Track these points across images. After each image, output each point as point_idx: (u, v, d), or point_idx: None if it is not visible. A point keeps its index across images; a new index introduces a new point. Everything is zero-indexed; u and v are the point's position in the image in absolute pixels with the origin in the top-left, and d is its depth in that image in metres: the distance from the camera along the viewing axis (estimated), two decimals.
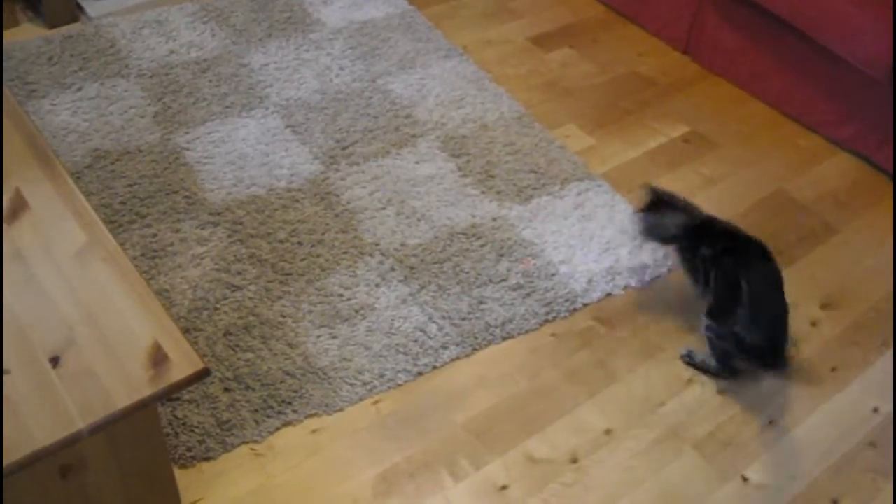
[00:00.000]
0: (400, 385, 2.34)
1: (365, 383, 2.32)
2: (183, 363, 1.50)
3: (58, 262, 1.65)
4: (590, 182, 2.95)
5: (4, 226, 1.70)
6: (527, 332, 2.50)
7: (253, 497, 2.07)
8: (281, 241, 2.65)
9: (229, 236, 2.65)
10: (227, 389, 2.26)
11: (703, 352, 2.41)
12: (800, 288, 2.68)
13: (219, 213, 2.72)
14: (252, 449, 2.16)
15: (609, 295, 2.62)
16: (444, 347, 2.42)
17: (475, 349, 2.44)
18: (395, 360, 2.37)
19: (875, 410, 2.39)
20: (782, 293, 2.36)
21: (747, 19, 3.30)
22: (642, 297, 2.61)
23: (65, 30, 3.41)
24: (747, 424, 2.33)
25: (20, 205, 1.75)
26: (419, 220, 2.76)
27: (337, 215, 2.75)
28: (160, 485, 1.74)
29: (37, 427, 1.38)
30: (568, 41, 3.69)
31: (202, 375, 1.51)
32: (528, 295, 2.57)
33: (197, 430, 2.17)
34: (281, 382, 2.29)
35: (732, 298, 2.29)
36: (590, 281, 2.63)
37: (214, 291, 2.49)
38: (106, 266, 1.65)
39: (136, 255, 2.56)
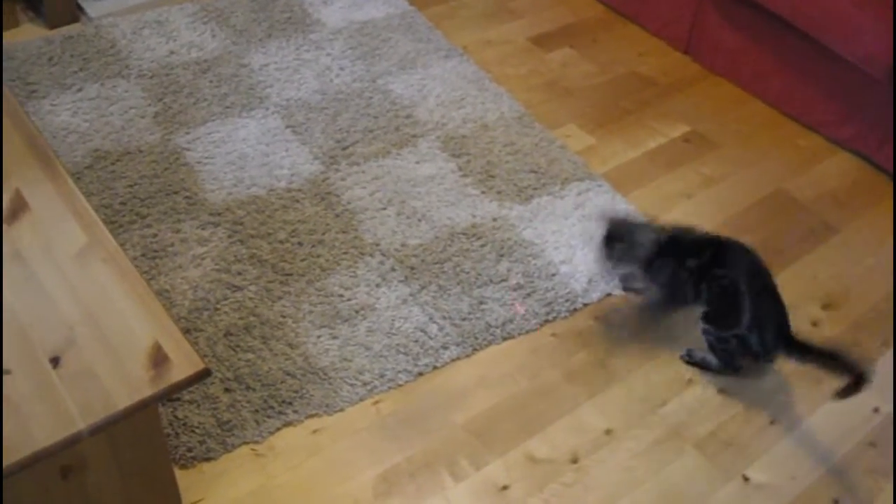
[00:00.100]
0: (400, 385, 2.34)
1: (365, 383, 2.32)
2: (183, 363, 1.50)
3: (58, 262, 1.64)
4: (590, 182, 2.95)
5: (4, 226, 1.70)
6: (527, 332, 2.50)
7: (253, 497, 2.07)
8: (281, 242, 2.65)
9: (230, 237, 2.65)
10: (227, 390, 2.26)
11: (702, 350, 2.41)
12: (800, 288, 2.68)
13: (219, 214, 2.72)
14: (253, 449, 2.16)
15: (609, 295, 2.62)
16: (445, 347, 2.42)
17: (475, 349, 2.44)
18: (395, 361, 2.37)
19: (876, 410, 2.39)
20: (772, 280, 2.34)
21: (748, 19, 3.30)
22: (642, 297, 2.61)
23: (65, 30, 3.41)
24: (748, 424, 2.33)
25: (20, 205, 1.75)
26: (419, 220, 2.76)
27: (337, 215, 2.75)
28: (161, 485, 1.74)
29: (37, 427, 1.38)
30: (568, 41, 3.69)
31: (203, 376, 1.51)
32: (529, 295, 2.57)
33: (197, 431, 2.17)
34: (281, 383, 2.29)
35: (731, 303, 2.29)
36: (590, 281, 2.63)
37: (215, 292, 2.49)
38: (106, 266, 1.65)
39: (136, 255, 2.56)
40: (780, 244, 2.80)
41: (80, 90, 3.12)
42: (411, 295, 2.54)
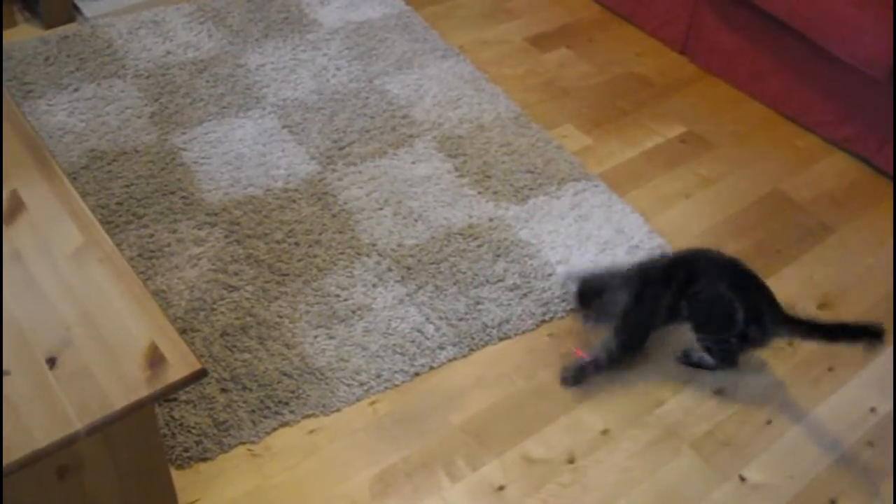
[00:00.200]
0: (397, 385, 2.33)
1: (362, 384, 2.32)
2: (180, 364, 1.50)
3: (54, 262, 1.64)
4: (587, 182, 2.95)
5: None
6: (523, 332, 2.50)
7: (250, 498, 2.07)
8: (278, 242, 2.65)
9: (226, 237, 2.65)
10: (224, 390, 2.26)
11: (697, 349, 2.41)
12: (797, 288, 2.68)
13: (216, 214, 2.72)
14: (249, 449, 2.16)
15: None
16: (441, 348, 2.42)
17: (472, 349, 2.44)
18: (392, 361, 2.37)
19: (872, 410, 2.39)
20: (747, 268, 2.34)
21: (744, 20, 3.30)
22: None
23: (61, 30, 3.41)
24: (745, 424, 2.33)
25: (17, 205, 1.75)
26: (416, 220, 2.76)
27: (334, 216, 2.75)
28: (157, 485, 1.74)
29: (34, 428, 1.38)
30: (565, 41, 3.69)
31: (199, 376, 1.50)
32: (525, 295, 2.57)
33: (194, 431, 2.17)
34: (278, 383, 2.29)
35: (719, 311, 2.30)
36: None
37: (211, 292, 2.49)
38: (102, 267, 1.65)
39: (132, 255, 2.56)
40: (777, 244, 2.81)
41: (76, 90, 3.12)
42: (408, 295, 2.54)
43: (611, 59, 3.61)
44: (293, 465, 2.14)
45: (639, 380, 2.41)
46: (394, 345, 2.41)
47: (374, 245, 2.67)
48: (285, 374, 2.31)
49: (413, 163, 2.97)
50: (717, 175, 3.07)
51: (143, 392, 1.45)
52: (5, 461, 1.33)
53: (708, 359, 2.40)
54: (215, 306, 2.45)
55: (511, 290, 2.58)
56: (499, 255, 2.67)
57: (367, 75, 3.35)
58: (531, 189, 2.91)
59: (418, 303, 2.52)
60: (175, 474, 2.07)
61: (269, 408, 2.24)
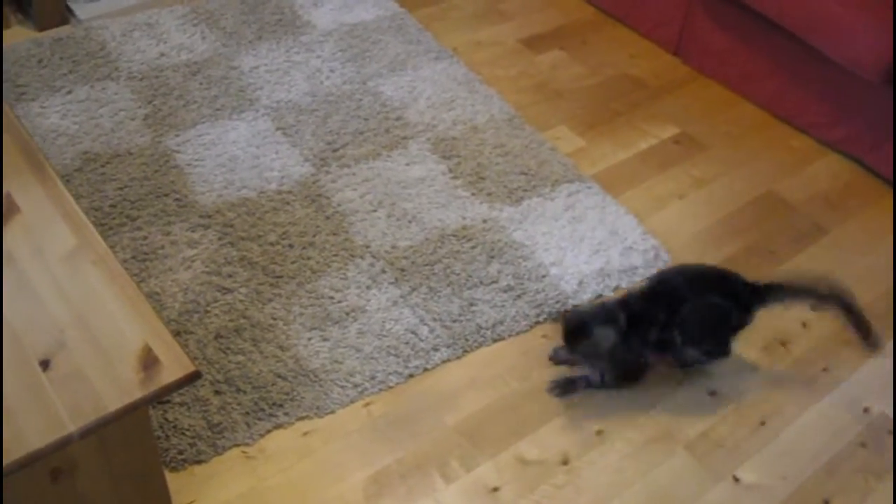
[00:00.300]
0: (391, 387, 2.33)
1: (356, 385, 2.32)
2: (173, 366, 1.50)
3: (48, 265, 1.64)
4: (580, 184, 2.96)
5: None
6: (518, 333, 2.50)
7: (244, 500, 2.07)
8: (272, 244, 2.65)
9: (220, 239, 2.65)
10: (217, 392, 2.26)
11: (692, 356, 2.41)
12: None
13: (209, 216, 2.71)
14: (243, 452, 2.16)
15: (600, 296, 2.62)
16: (435, 349, 2.42)
17: (466, 351, 2.44)
18: (386, 363, 2.37)
19: (866, 411, 2.39)
20: (719, 269, 2.37)
21: (738, 21, 3.31)
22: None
23: (54, 32, 3.40)
24: (739, 425, 2.33)
25: (10, 208, 1.75)
26: (410, 222, 2.76)
27: (328, 217, 2.75)
28: (151, 488, 1.74)
29: (27, 430, 1.38)
30: (558, 43, 3.69)
31: (193, 378, 1.50)
32: (519, 297, 2.57)
33: (188, 433, 2.17)
34: (272, 385, 2.29)
35: (715, 324, 2.32)
36: (580, 282, 2.63)
37: (205, 294, 2.49)
38: (96, 269, 1.64)
39: (126, 257, 2.56)
40: (770, 245, 2.81)
41: (69, 92, 3.11)
42: (402, 297, 2.54)
43: (604, 61, 3.61)
44: (287, 467, 2.14)
45: None
46: (388, 346, 2.41)
47: (367, 247, 2.67)
48: (279, 376, 2.31)
49: (407, 164, 2.97)
50: (711, 176, 3.07)
51: (137, 394, 1.45)
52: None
53: (703, 359, 2.39)
54: (209, 308, 2.45)
55: (505, 291, 2.58)
56: (493, 257, 2.67)
57: (360, 77, 3.35)
58: (525, 190, 2.91)
59: (412, 304, 2.52)
60: (169, 476, 2.07)
61: (263, 410, 2.24)
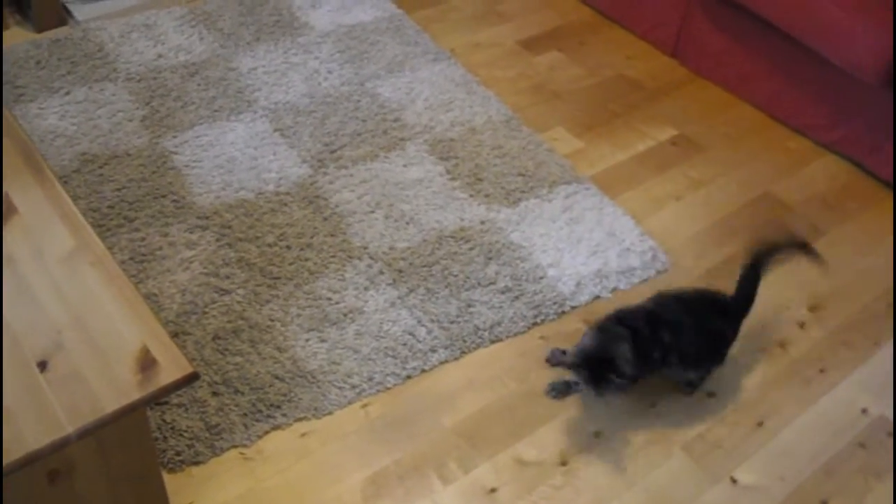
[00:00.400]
0: (389, 388, 2.34)
1: (354, 387, 2.32)
2: (171, 367, 1.50)
3: (46, 266, 1.64)
4: (578, 185, 2.96)
5: None
6: (515, 334, 2.50)
7: (242, 501, 2.07)
8: (269, 245, 2.65)
9: (218, 240, 2.65)
10: (215, 393, 2.26)
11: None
12: (788, 290, 2.69)
13: (207, 217, 2.71)
14: (241, 453, 2.16)
15: (597, 298, 2.62)
16: (433, 350, 2.42)
17: (464, 352, 2.44)
18: (383, 364, 2.37)
19: (864, 411, 2.39)
20: (713, 292, 2.38)
21: (735, 23, 3.31)
22: (630, 300, 2.60)
23: (53, 34, 3.40)
24: (736, 426, 2.33)
25: (8, 209, 1.75)
26: (408, 223, 2.76)
27: (325, 219, 2.75)
28: (149, 489, 1.74)
29: (25, 431, 1.38)
30: (556, 44, 3.69)
31: (191, 379, 1.50)
32: (517, 298, 2.57)
33: (186, 435, 2.17)
34: (270, 386, 2.29)
35: (716, 342, 2.33)
36: (578, 284, 2.63)
37: (203, 295, 2.49)
38: (94, 270, 1.64)
39: (124, 259, 2.56)
40: None
41: (67, 94, 3.11)
42: (399, 298, 2.54)
43: (602, 63, 3.61)
44: (285, 469, 2.14)
45: None
46: (385, 348, 2.41)
47: (365, 248, 2.67)
48: (277, 378, 2.31)
49: (404, 166, 2.97)
50: (709, 178, 3.08)
51: (135, 395, 1.45)
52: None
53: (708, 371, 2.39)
54: (207, 310, 2.45)
55: (503, 292, 2.58)
56: (490, 258, 2.67)
57: (358, 78, 3.35)
58: (522, 192, 2.91)
59: (410, 306, 2.52)
60: (167, 478, 2.07)
61: (260, 411, 2.24)
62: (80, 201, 2.70)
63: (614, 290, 2.65)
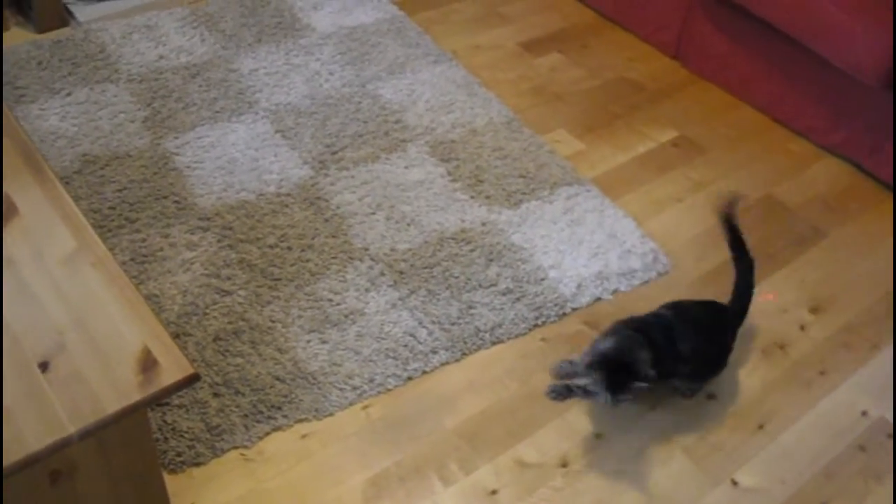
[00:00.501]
0: (390, 390, 2.33)
1: (355, 388, 2.32)
2: (172, 368, 1.50)
3: (47, 267, 1.64)
4: (579, 187, 2.96)
5: None
6: (516, 336, 2.50)
7: (243, 502, 2.07)
8: (270, 246, 2.65)
9: (219, 241, 2.65)
10: (216, 394, 2.26)
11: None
12: (789, 292, 2.69)
13: (208, 219, 2.72)
14: (242, 454, 2.16)
15: (598, 299, 2.62)
16: (434, 352, 2.42)
17: (465, 354, 2.44)
18: (384, 365, 2.37)
19: (864, 414, 2.39)
20: (711, 304, 2.39)
21: (737, 25, 3.31)
22: (631, 302, 2.61)
23: (54, 34, 3.40)
24: (737, 428, 2.33)
25: (9, 210, 1.75)
26: (409, 224, 2.76)
27: (326, 220, 2.75)
28: (150, 490, 1.74)
29: (26, 432, 1.38)
30: (557, 46, 3.69)
31: (192, 380, 1.50)
32: (518, 300, 2.57)
33: (187, 436, 2.17)
34: (271, 387, 2.29)
35: (721, 352, 2.34)
36: (579, 285, 2.63)
37: (204, 296, 2.49)
38: (95, 271, 1.64)
39: (125, 259, 2.56)
40: (769, 249, 2.81)
41: (69, 95, 3.11)
42: (400, 299, 2.54)
43: (603, 64, 3.61)
44: (286, 470, 2.14)
45: None
46: (386, 349, 2.41)
47: (366, 249, 2.67)
48: (278, 379, 2.31)
49: (406, 167, 2.97)
50: (710, 179, 3.08)
51: (136, 396, 1.45)
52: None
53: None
54: (208, 311, 2.45)
55: (504, 294, 2.58)
56: (491, 260, 2.67)
57: (359, 80, 3.35)
58: (524, 194, 2.91)
59: (411, 307, 2.52)
60: (168, 479, 2.07)
61: (261, 412, 2.24)
62: (81, 202, 2.70)
63: (615, 291, 2.65)
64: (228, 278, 2.54)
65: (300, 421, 2.24)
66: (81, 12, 3.50)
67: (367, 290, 2.55)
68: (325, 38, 3.55)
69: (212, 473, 2.12)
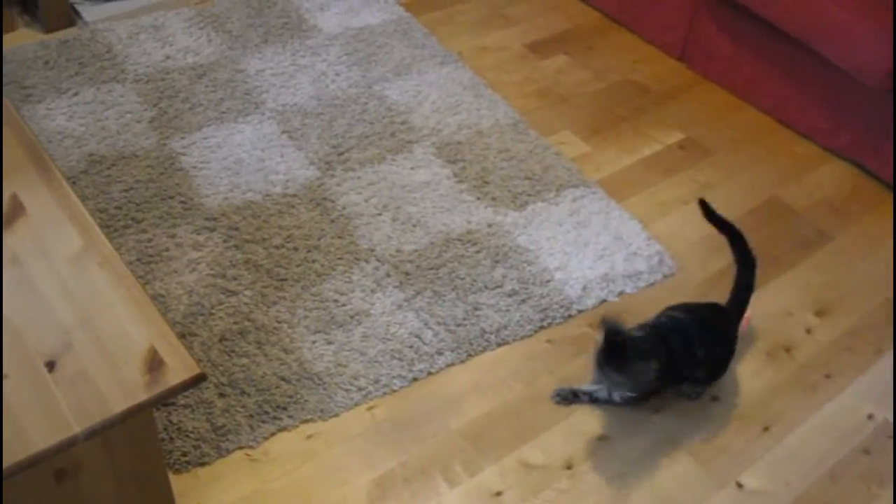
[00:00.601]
0: (395, 391, 2.34)
1: (360, 389, 2.32)
2: (179, 368, 1.50)
3: (54, 266, 1.64)
4: (585, 189, 2.96)
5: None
6: (522, 338, 2.50)
7: (247, 502, 2.07)
8: (277, 247, 2.65)
9: (225, 241, 2.65)
10: (222, 395, 2.26)
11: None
12: (794, 295, 2.68)
13: (214, 219, 2.72)
14: (247, 454, 2.16)
15: (604, 301, 2.62)
16: (440, 353, 2.42)
17: (470, 355, 2.44)
18: (390, 366, 2.37)
19: (870, 417, 2.39)
20: (716, 307, 2.40)
21: (743, 27, 3.31)
22: (637, 304, 2.61)
23: (61, 34, 3.41)
24: (742, 431, 2.33)
25: (16, 209, 1.75)
26: (415, 226, 2.76)
27: (332, 221, 2.75)
28: (155, 490, 1.74)
29: (32, 431, 1.38)
30: (563, 48, 3.69)
31: (198, 380, 1.50)
32: (524, 301, 2.57)
33: (192, 436, 2.17)
34: (276, 388, 2.29)
35: (729, 354, 2.35)
36: (584, 287, 2.63)
37: (210, 297, 2.49)
38: (102, 271, 1.65)
39: (131, 259, 2.56)
40: (774, 251, 2.81)
41: (75, 94, 3.12)
42: (406, 301, 2.54)
43: (609, 66, 3.61)
44: (291, 470, 2.15)
45: None
46: (392, 350, 2.41)
47: (372, 250, 2.67)
48: (283, 379, 2.31)
49: (412, 168, 2.97)
50: (715, 182, 3.08)
51: (142, 396, 1.45)
52: (3, 464, 1.33)
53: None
54: (214, 311, 2.46)
55: (509, 295, 2.58)
56: (497, 261, 2.67)
57: (366, 81, 3.35)
58: (529, 195, 2.91)
59: (417, 308, 2.52)
60: (173, 479, 2.07)
61: (267, 413, 2.24)
62: (87, 202, 2.71)
63: (621, 293, 2.64)
64: (234, 278, 2.55)
65: (305, 421, 2.24)
66: (88, 12, 3.51)
67: (372, 291, 2.55)
68: (331, 39, 3.55)
69: (217, 473, 2.12)
